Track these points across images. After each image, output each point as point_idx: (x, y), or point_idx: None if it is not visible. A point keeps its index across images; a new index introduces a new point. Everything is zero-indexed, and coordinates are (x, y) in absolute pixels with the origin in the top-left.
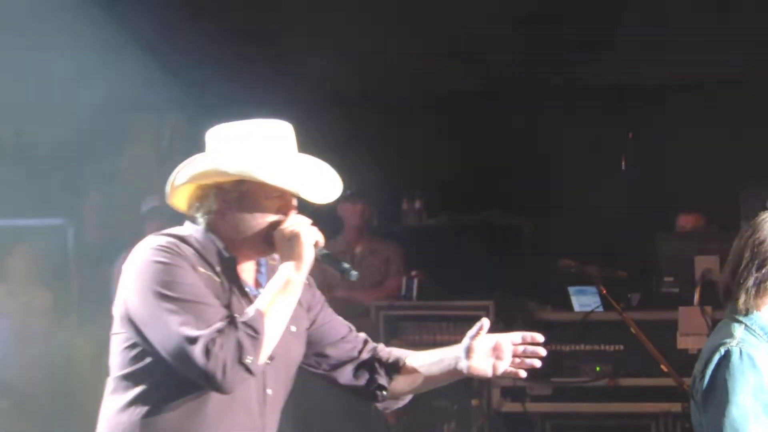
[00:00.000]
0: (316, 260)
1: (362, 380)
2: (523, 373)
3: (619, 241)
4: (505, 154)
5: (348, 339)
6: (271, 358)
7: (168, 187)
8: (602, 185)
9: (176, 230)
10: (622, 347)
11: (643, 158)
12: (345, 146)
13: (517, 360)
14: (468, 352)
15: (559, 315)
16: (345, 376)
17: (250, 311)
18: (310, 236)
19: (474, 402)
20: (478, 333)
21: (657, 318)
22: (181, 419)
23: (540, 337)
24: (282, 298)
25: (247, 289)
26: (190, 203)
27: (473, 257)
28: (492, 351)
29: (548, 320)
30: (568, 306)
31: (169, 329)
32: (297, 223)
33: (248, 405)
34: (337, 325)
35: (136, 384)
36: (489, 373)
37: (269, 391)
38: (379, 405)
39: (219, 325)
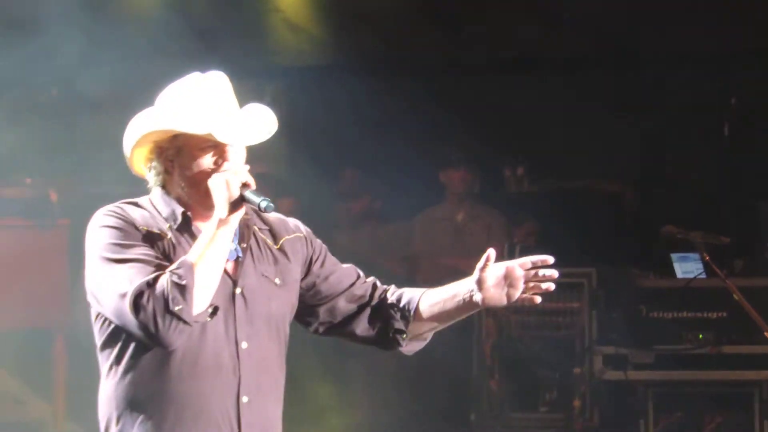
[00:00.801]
0: (243, 200)
1: (379, 328)
2: (537, 299)
3: (722, 207)
4: (606, 121)
5: (357, 286)
6: (216, 309)
7: (126, 159)
8: (705, 151)
9: (137, 198)
10: (724, 314)
11: (747, 123)
12: (448, 113)
13: (531, 284)
14: (480, 283)
15: (661, 282)
16: (361, 326)
17: (178, 261)
18: (236, 178)
19: (576, 370)
20: (486, 264)
21: (760, 284)
22: (149, 379)
23: (550, 259)
24: (212, 245)
25: None
26: (145, 168)
27: (575, 224)
28: (504, 279)
29: (651, 287)
30: (671, 273)
31: (108, 289)
32: (226, 168)
33: (218, 360)
34: (345, 274)
35: (109, 353)
36: (504, 301)
37: (243, 345)
38: (402, 349)
39: (148, 278)
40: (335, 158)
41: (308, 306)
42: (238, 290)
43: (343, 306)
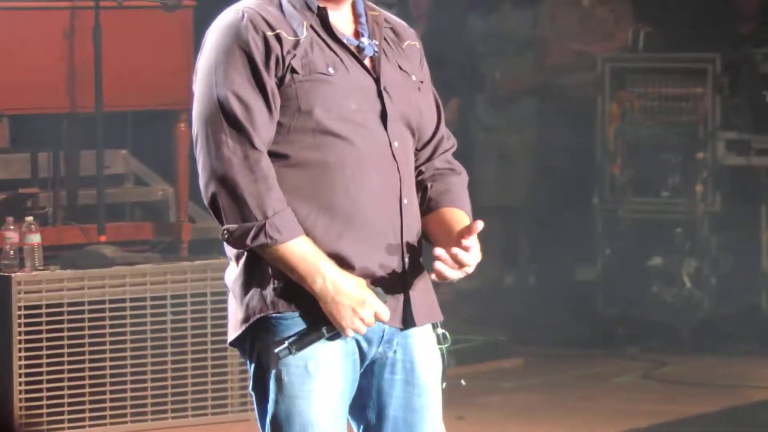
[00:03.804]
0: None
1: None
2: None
3: None
4: None
5: (426, 141)
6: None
7: None
8: None
9: None
10: None
11: None
12: None
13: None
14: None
15: None
16: None
17: (289, 227)
18: (356, 320)
19: (699, 155)
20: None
21: None
22: (309, 189)
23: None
24: (294, 271)
25: (345, 41)
26: None
27: (701, 7)
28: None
29: None
30: None
31: (201, 108)
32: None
33: (380, 162)
34: (429, 118)
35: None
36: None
37: (396, 144)
38: None
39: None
40: None
41: None
42: (382, 86)
43: None
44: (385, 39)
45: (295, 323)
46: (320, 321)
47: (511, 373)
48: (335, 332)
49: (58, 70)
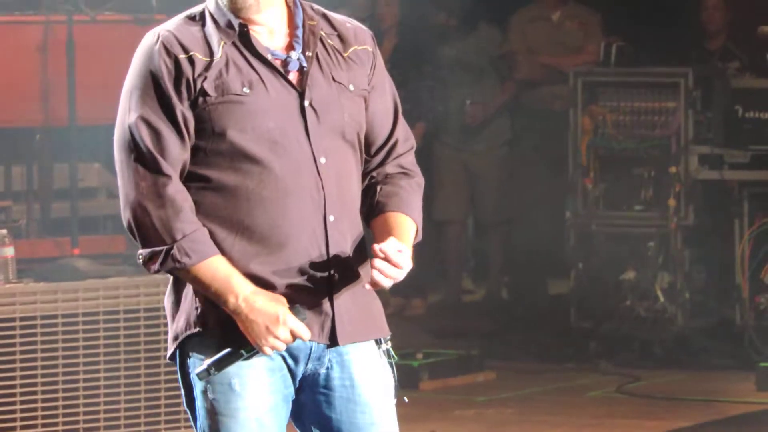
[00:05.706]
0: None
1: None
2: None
3: None
4: None
5: (379, 144)
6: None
7: None
8: None
9: (200, 6)
10: None
11: None
12: None
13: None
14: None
15: (757, 82)
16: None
17: (198, 247)
18: (272, 339)
19: (671, 169)
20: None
21: None
22: (225, 210)
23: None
24: (208, 290)
25: (268, 56)
26: None
27: (673, 23)
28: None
29: (746, 87)
30: (767, 73)
31: (119, 134)
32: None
33: (299, 180)
34: (382, 122)
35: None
36: None
37: (322, 160)
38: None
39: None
40: None
41: None
42: (306, 102)
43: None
44: (325, 48)
45: (218, 342)
46: (240, 340)
47: (484, 387)
48: (254, 351)
49: (32, 84)
